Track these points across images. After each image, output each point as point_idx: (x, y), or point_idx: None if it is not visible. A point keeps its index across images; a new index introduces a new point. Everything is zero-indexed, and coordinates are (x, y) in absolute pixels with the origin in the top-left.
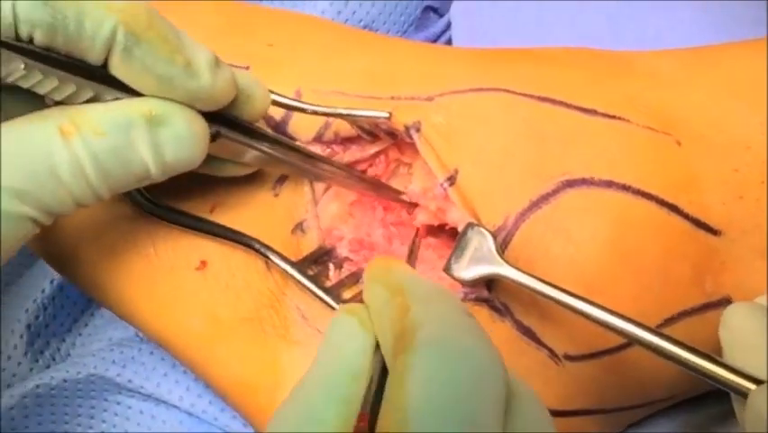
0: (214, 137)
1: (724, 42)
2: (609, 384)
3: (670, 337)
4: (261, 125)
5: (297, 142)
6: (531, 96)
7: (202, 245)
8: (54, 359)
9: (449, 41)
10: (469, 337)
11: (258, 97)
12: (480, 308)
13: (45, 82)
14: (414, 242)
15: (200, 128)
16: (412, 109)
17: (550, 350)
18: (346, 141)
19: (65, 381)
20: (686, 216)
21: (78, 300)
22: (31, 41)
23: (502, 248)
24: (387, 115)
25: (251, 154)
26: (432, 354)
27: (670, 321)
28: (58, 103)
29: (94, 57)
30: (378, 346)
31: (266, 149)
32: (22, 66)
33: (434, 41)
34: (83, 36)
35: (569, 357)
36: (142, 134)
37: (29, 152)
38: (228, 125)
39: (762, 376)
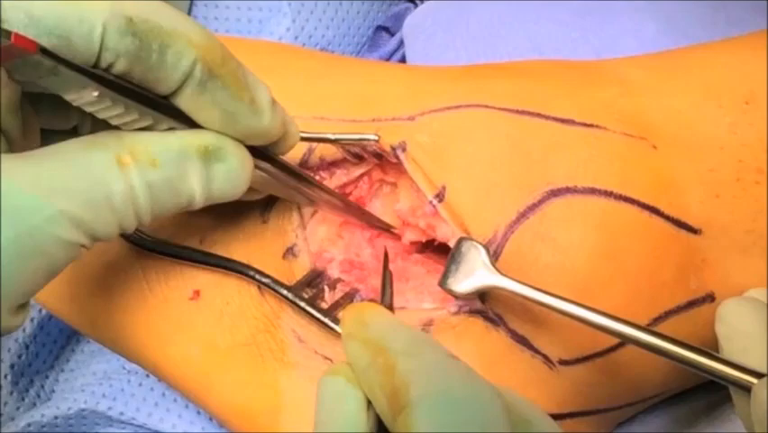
0: None
1: (688, 46)
2: (602, 385)
3: (668, 337)
4: None
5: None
6: (509, 111)
7: (194, 276)
8: (39, 396)
9: (402, 59)
10: (460, 382)
11: (292, 134)
12: (474, 319)
13: (111, 109)
14: (384, 275)
15: (249, 164)
16: (395, 130)
17: (544, 356)
18: (331, 165)
19: (56, 417)
20: (667, 218)
21: (58, 338)
22: (107, 69)
23: (493, 260)
24: (376, 137)
25: (264, 179)
26: (429, 409)
27: (657, 320)
28: (107, 123)
29: (165, 88)
30: (369, 403)
31: (288, 180)
32: (96, 93)
33: (388, 59)
34: (163, 68)
35: (563, 362)
36: (196, 168)
37: (88, 181)
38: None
39: (762, 369)
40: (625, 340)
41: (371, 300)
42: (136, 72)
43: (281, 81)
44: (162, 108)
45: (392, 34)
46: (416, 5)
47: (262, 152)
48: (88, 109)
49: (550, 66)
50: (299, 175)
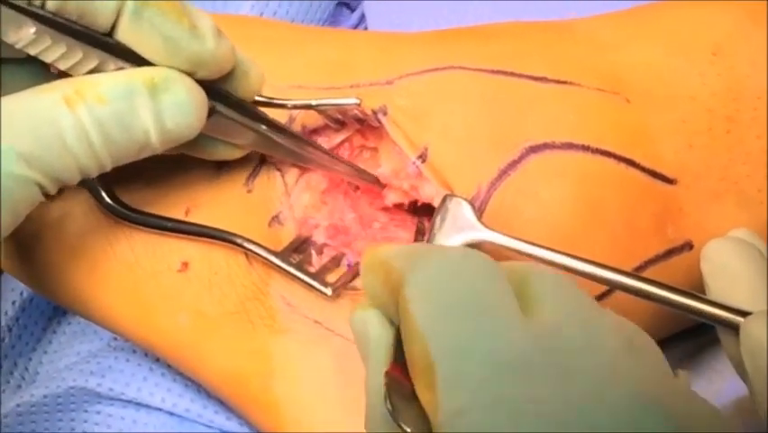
0: (209, 113)
1: (655, 2)
2: None
3: (656, 281)
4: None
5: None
6: (484, 71)
7: (181, 247)
8: (24, 378)
9: None
10: (453, 254)
11: (253, 75)
12: None
13: (53, 48)
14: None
15: (199, 96)
16: (374, 94)
17: None
18: (313, 133)
19: (45, 396)
20: (643, 169)
21: (39, 319)
22: (42, 5)
23: (478, 215)
24: (357, 101)
25: (243, 134)
26: (422, 279)
27: (638, 270)
28: (61, 74)
29: (103, 21)
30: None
31: (259, 128)
32: (33, 30)
33: None
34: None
35: None
36: (145, 101)
37: (35, 119)
38: (223, 103)
39: (748, 306)
40: (614, 287)
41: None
42: (71, 7)
43: (256, 53)
44: (109, 49)
45: (353, 10)
46: None
47: (238, 103)
48: (31, 51)
49: (522, 27)
50: (279, 127)
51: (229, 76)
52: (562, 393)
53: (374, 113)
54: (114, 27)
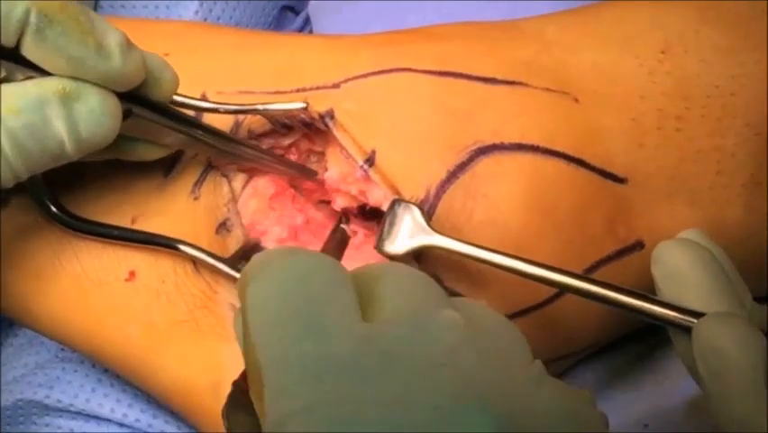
0: (126, 115)
1: (602, 2)
2: (539, 338)
3: (607, 283)
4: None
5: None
6: (432, 73)
7: (128, 256)
8: None
9: None
10: (297, 260)
11: (166, 80)
12: None
13: None
14: (335, 230)
15: (112, 103)
16: (321, 98)
17: None
18: (260, 137)
19: None
20: (593, 169)
21: None
22: None
23: (428, 219)
24: (304, 105)
25: (164, 133)
26: (260, 288)
27: (589, 270)
28: None
29: (7, 38)
30: None
31: (180, 127)
32: None
33: None
34: None
35: None
36: (57, 111)
37: None
38: (141, 104)
39: (699, 308)
40: (564, 290)
41: None
42: None
43: (202, 58)
44: (16, 60)
45: (297, 13)
46: None
47: (156, 104)
48: None
49: (469, 27)
50: (201, 125)
51: (142, 83)
52: (386, 393)
53: (321, 117)
54: (18, 44)
